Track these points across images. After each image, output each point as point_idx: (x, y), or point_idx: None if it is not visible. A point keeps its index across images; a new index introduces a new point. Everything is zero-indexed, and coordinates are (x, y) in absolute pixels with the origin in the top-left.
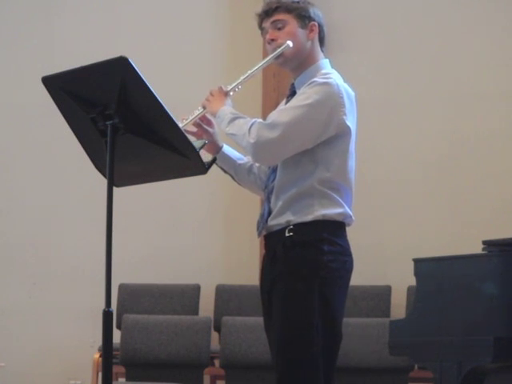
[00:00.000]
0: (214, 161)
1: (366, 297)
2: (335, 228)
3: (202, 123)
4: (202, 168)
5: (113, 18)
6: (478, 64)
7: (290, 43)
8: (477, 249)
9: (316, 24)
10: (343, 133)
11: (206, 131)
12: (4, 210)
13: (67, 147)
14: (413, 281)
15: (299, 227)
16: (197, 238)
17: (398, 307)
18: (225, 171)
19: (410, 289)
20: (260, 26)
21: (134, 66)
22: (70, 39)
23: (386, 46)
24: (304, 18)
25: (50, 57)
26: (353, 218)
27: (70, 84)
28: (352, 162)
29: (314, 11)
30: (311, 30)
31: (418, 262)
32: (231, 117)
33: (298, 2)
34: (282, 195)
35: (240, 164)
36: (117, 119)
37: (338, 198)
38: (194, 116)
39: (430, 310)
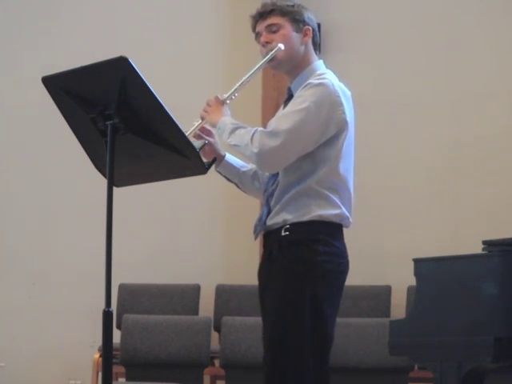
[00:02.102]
0: (213, 161)
1: (366, 297)
2: (332, 229)
3: (203, 134)
4: (202, 168)
5: (113, 19)
6: (479, 65)
7: (281, 46)
8: (477, 249)
9: (310, 28)
10: (342, 131)
11: (208, 142)
12: (4, 210)
13: (67, 147)
14: (413, 281)
15: (295, 227)
16: (197, 238)
17: (398, 307)
18: (229, 180)
19: (410, 289)
20: (254, 29)
21: (134, 66)
22: (70, 39)
23: (386, 46)
24: (298, 22)
25: (50, 57)
26: (350, 219)
27: (70, 84)
28: (350, 162)
29: (309, 15)
30: (305, 35)
31: (418, 262)
32: (232, 127)
33: (292, 6)
34: (283, 197)
35: (244, 172)
36: (117, 119)
37: (335, 199)
38: (193, 128)
39: (430, 310)
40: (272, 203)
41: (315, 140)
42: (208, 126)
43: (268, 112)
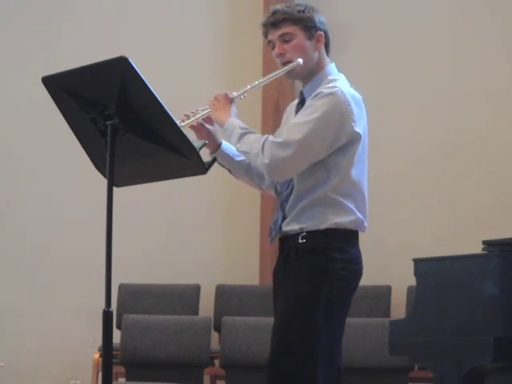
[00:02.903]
0: (213, 161)
1: (366, 297)
2: (347, 236)
3: (204, 121)
4: (202, 168)
5: (113, 19)
6: (479, 62)
7: (300, 61)
8: (477, 249)
9: (322, 33)
10: (353, 140)
11: (207, 130)
12: (4, 211)
13: (67, 147)
14: (413, 281)
15: (312, 235)
16: (197, 237)
17: (398, 307)
18: (222, 166)
19: (409, 289)
20: (265, 36)
21: (133, 65)
22: (70, 39)
23: (387, 46)
24: (310, 28)
25: (51, 57)
26: (365, 223)
27: (69, 84)
28: (364, 167)
29: (320, 19)
30: (318, 41)
31: (418, 262)
32: (241, 132)
33: (303, 11)
34: (298, 203)
35: (238, 161)
36: (117, 119)
37: (350, 205)
38: (197, 116)
39: (430, 310)
40: (287, 209)
41: (326, 149)
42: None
43: (268, 112)
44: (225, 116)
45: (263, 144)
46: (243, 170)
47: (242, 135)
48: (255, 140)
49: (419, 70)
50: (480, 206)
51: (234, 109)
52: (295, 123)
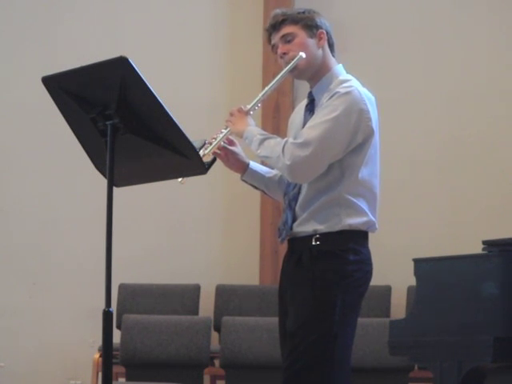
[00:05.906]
0: (213, 161)
1: (366, 297)
2: (360, 237)
3: (226, 144)
4: (202, 168)
5: (113, 19)
6: (478, 64)
7: (302, 54)
8: (477, 249)
9: (324, 32)
10: (369, 138)
11: (232, 152)
12: (4, 210)
13: (67, 147)
14: (413, 281)
15: (326, 237)
16: (197, 238)
17: (398, 307)
18: (255, 187)
19: (409, 289)
20: (269, 41)
21: (133, 65)
22: (70, 39)
23: (386, 46)
24: (311, 27)
25: (51, 57)
26: (376, 225)
27: (69, 84)
28: (375, 166)
29: (321, 20)
30: (320, 38)
31: (417, 262)
32: (260, 138)
33: (303, 13)
34: (311, 203)
35: (270, 177)
36: (117, 119)
37: (363, 206)
38: (219, 138)
39: (430, 310)
40: (297, 208)
41: (344, 148)
42: (231, 136)
43: (268, 112)
44: (243, 126)
45: (284, 146)
46: (276, 184)
47: (262, 141)
48: (276, 144)
49: (420, 71)
50: (480, 206)
51: (251, 120)
52: (314, 123)
